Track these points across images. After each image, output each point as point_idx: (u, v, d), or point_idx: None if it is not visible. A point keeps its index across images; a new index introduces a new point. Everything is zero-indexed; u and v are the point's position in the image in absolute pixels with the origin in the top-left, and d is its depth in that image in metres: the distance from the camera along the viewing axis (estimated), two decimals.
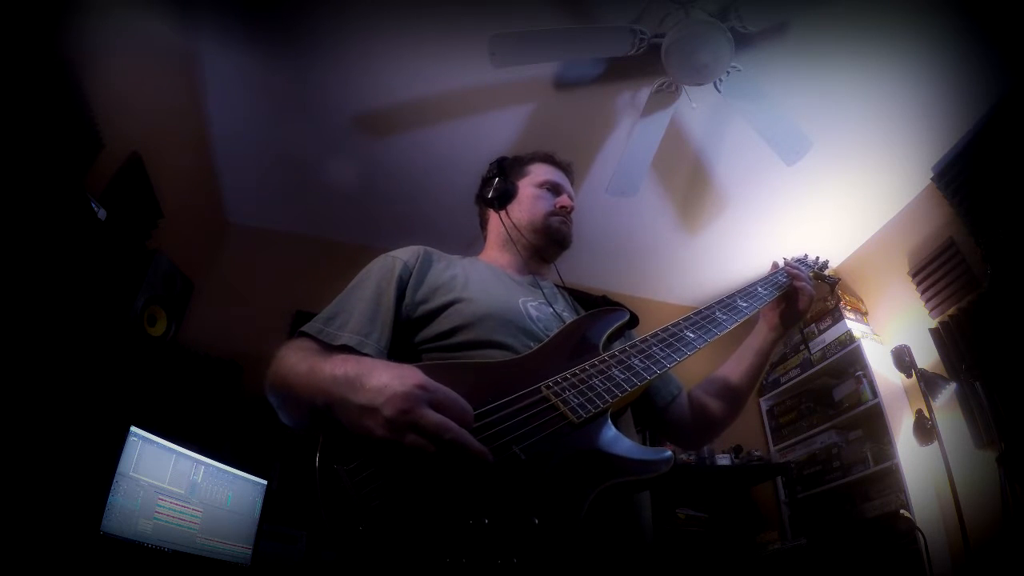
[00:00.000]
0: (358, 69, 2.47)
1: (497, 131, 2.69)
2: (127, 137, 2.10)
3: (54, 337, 1.60)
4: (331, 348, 0.90)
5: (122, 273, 1.98)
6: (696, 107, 2.39)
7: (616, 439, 0.77)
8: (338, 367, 0.77)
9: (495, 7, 2.18)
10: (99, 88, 1.86)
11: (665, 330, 1.00)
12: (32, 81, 1.55)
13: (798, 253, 1.44)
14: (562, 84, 2.51)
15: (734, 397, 1.16)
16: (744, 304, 1.13)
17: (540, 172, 1.32)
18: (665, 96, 2.35)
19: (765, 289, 1.19)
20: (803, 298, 1.19)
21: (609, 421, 0.80)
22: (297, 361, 0.85)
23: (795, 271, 1.22)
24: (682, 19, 2.08)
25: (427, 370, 0.74)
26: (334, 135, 2.80)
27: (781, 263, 1.30)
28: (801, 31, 2.24)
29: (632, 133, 2.49)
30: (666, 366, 0.92)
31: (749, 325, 1.17)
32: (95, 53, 1.87)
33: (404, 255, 1.07)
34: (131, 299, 1.98)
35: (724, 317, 1.08)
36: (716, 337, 1.02)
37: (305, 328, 0.94)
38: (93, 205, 1.81)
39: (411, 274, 1.04)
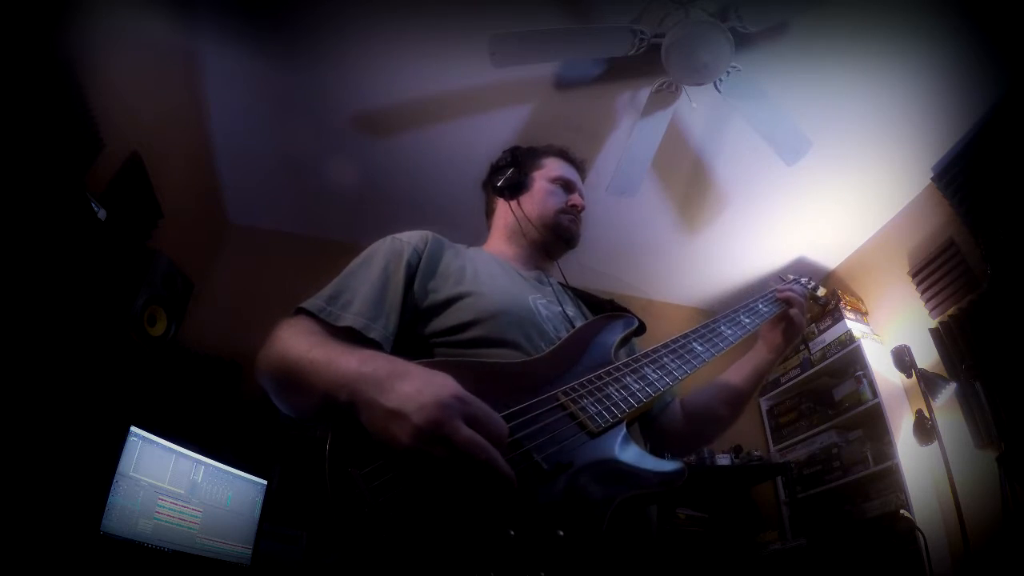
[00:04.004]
0: (358, 69, 2.47)
1: (497, 131, 2.69)
2: (127, 137, 2.10)
3: (54, 337, 1.60)
4: (334, 330, 0.86)
5: (122, 273, 1.98)
6: (696, 107, 2.39)
7: (632, 450, 0.77)
8: (366, 363, 0.72)
9: (495, 7, 2.18)
10: (99, 88, 1.86)
11: (675, 341, 1.01)
12: (32, 81, 1.55)
13: (794, 275, 1.42)
14: (562, 84, 2.51)
15: (728, 409, 1.16)
16: (747, 320, 1.15)
17: (554, 167, 1.29)
18: (665, 96, 2.35)
19: (766, 306, 1.21)
20: (796, 324, 1.19)
21: (625, 431, 0.79)
22: (309, 346, 0.79)
23: (790, 295, 1.21)
24: (682, 19, 2.08)
25: (443, 368, 0.71)
26: (334, 135, 2.80)
27: (780, 284, 1.31)
28: (801, 31, 2.24)
29: (632, 133, 2.49)
30: (677, 377, 0.92)
31: (748, 339, 1.19)
32: (95, 53, 1.87)
33: (413, 239, 1.03)
34: (131, 299, 1.98)
35: (729, 332, 1.10)
36: (722, 352, 1.05)
37: (305, 305, 0.89)
38: (93, 205, 1.81)
39: (420, 260, 1.00)
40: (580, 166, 1.36)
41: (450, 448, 0.62)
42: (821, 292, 1.46)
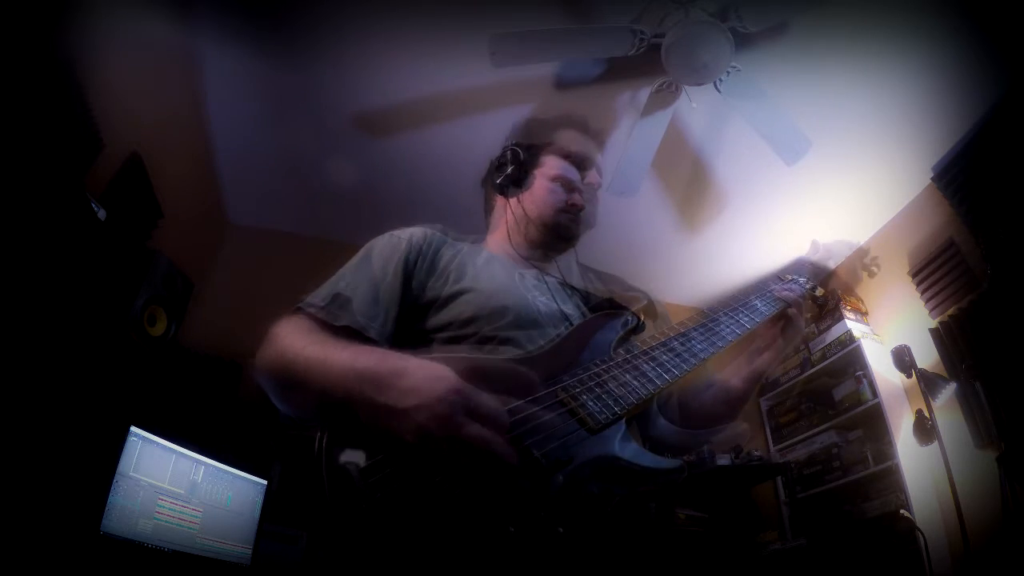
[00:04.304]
0: (358, 68, 2.47)
1: (497, 131, 2.66)
2: (127, 137, 2.10)
3: (54, 337, 1.60)
4: (332, 328, 0.85)
5: (122, 273, 1.98)
6: (696, 107, 2.38)
7: (632, 447, 0.77)
8: (360, 359, 0.72)
9: (495, 7, 2.18)
10: (99, 88, 1.86)
11: (674, 339, 1.01)
12: (32, 81, 1.55)
13: (792, 275, 1.41)
14: (562, 84, 2.51)
15: (726, 408, 1.15)
16: (746, 318, 1.15)
17: (555, 165, 1.28)
18: (665, 96, 2.35)
19: (764, 305, 1.20)
20: (795, 324, 1.19)
21: (624, 427, 0.79)
22: (305, 344, 0.79)
23: (788, 295, 1.22)
24: (682, 19, 2.08)
25: (441, 363, 0.71)
26: (334, 135, 2.80)
27: (778, 284, 1.31)
28: (801, 31, 2.24)
29: (632, 133, 2.49)
30: (676, 375, 0.92)
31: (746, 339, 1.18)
32: (95, 53, 1.87)
33: (411, 236, 1.03)
34: (131, 299, 1.98)
35: (728, 330, 1.09)
36: (720, 350, 1.04)
37: (303, 304, 0.89)
38: (93, 205, 1.81)
39: (418, 256, 1.00)
40: (581, 164, 1.35)
41: (455, 442, 0.62)
42: (819, 292, 1.45)
